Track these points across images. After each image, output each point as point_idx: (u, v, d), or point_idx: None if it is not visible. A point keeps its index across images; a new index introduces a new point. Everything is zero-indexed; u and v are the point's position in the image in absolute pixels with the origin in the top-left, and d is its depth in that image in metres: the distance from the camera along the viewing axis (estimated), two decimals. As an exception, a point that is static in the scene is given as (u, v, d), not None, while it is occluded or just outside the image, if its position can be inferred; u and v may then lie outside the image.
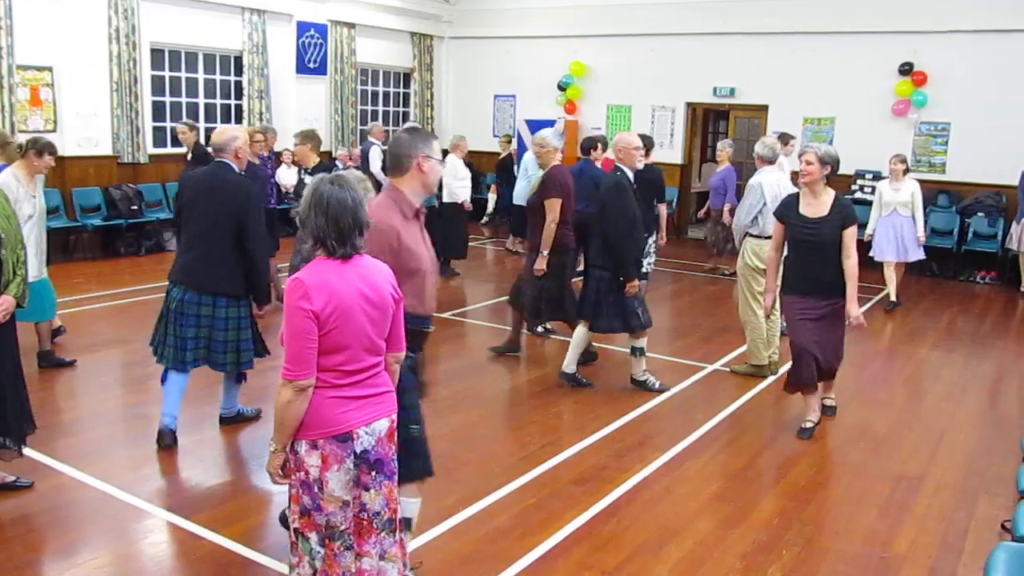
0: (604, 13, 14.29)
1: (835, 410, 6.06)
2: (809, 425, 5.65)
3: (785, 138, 9.58)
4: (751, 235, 6.69)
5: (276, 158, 10.83)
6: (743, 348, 6.97)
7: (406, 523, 3.63)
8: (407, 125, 3.53)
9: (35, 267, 5.80)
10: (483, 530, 4.17)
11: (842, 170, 12.92)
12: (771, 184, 6.71)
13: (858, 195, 12.15)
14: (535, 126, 12.51)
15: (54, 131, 10.27)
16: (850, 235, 5.36)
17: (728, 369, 7.03)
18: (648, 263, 8.21)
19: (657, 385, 6.38)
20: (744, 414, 6.08)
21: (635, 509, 4.52)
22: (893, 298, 9.52)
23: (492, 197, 14.13)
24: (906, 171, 9.47)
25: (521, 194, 10.02)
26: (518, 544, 4.05)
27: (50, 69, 10.42)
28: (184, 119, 10.77)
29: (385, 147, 8.73)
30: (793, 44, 12.95)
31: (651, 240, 8.18)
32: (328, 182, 2.80)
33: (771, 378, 6.81)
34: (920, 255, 9.60)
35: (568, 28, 14.74)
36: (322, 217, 2.75)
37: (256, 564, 3.84)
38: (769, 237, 6.77)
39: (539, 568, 3.87)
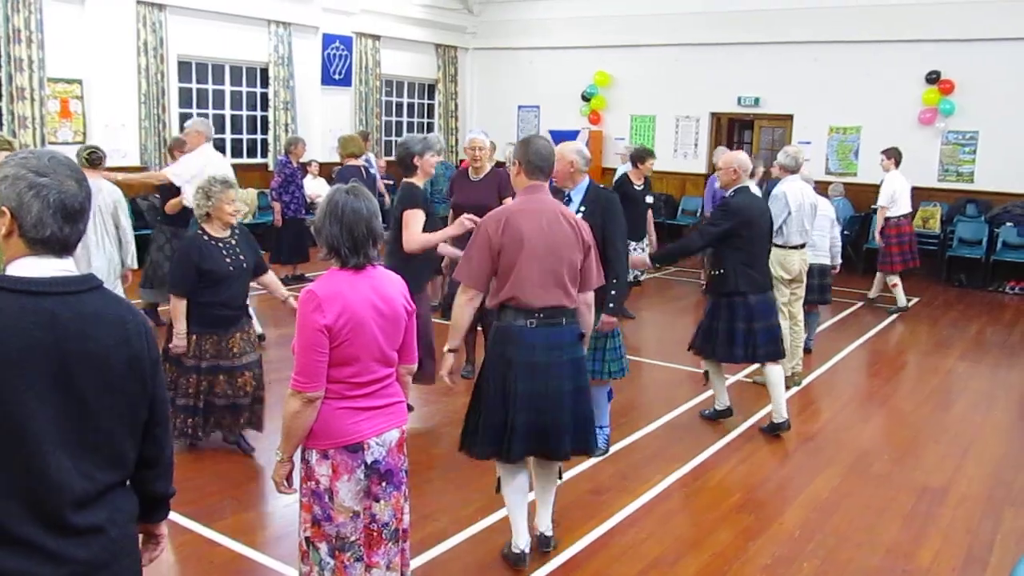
0: (628, 23, 14.29)
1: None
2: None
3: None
4: (775, 245, 6.63)
5: (303, 168, 10.92)
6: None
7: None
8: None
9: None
10: (502, 539, 4.15)
11: (868, 179, 12.76)
12: (795, 193, 6.67)
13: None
14: (558, 137, 12.49)
15: (83, 143, 10.42)
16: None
17: (750, 380, 6.97)
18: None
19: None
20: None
21: (654, 520, 4.49)
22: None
23: None
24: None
25: None
26: (536, 553, 4.03)
27: (80, 82, 10.59)
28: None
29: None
30: (818, 53, 12.88)
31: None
32: (344, 192, 2.82)
33: (794, 389, 6.75)
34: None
35: (592, 38, 14.76)
36: (336, 226, 2.76)
37: (274, 572, 3.86)
38: (794, 247, 6.72)
39: (556, 578, 3.85)
